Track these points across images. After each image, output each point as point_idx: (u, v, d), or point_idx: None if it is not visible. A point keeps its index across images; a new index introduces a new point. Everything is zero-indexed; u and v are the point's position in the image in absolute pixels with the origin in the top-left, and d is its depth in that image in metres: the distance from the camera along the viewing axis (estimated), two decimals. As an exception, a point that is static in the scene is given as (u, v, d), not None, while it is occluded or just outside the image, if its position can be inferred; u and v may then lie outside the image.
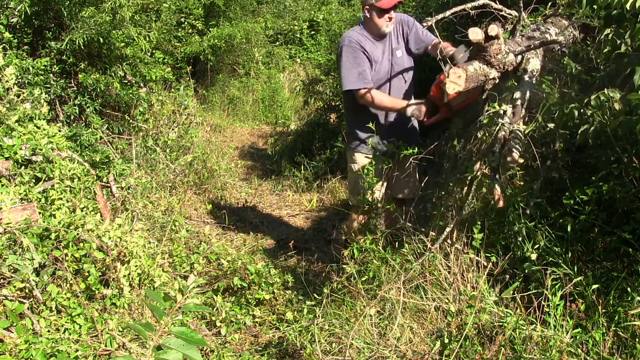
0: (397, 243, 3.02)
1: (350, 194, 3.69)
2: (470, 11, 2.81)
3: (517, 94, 2.71)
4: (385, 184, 3.43)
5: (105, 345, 2.38)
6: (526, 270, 2.56)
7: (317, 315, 2.66)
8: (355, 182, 3.41)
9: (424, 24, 2.68)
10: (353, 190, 3.51)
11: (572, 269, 2.42)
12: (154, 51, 6.25)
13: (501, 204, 2.52)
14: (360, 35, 3.23)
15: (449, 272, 2.65)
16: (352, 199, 3.57)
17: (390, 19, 3.16)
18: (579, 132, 2.36)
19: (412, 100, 3.18)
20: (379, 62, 3.24)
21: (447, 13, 2.71)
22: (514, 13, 2.98)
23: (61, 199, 3.06)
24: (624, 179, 2.48)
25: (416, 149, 3.07)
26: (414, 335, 2.46)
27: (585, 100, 2.37)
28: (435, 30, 2.68)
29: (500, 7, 2.88)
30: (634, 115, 2.19)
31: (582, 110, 2.39)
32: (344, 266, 2.87)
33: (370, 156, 3.26)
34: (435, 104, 3.03)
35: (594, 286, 2.32)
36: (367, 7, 3.15)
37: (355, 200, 3.44)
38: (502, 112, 2.63)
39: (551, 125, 2.70)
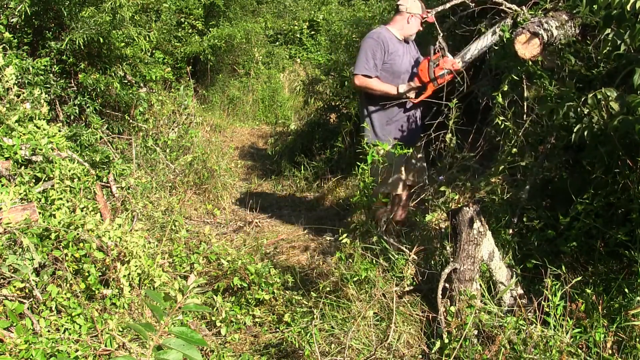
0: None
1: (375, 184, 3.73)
2: (470, 3, 2.90)
3: None
4: (404, 169, 3.72)
5: (105, 345, 2.38)
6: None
7: (315, 316, 2.65)
8: (378, 171, 3.43)
9: (425, 15, 3.05)
10: (376, 179, 3.50)
11: (572, 269, 2.41)
12: (154, 51, 6.26)
13: None
14: (389, 33, 3.68)
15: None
16: (378, 188, 3.57)
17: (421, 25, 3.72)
18: (575, 130, 2.36)
19: (401, 84, 3.63)
20: (402, 57, 3.64)
21: (447, 5, 2.84)
22: (514, 7, 3.04)
23: (61, 199, 3.06)
24: (620, 181, 2.48)
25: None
26: (412, 336, 2.46)
27: (583, 99, 2.37)
28: (436, 23, 2.80)
29: (500, 0, 2.95)
30: (633, 115, 2.18)
31: (578, 110, 2.39)
32: (334, 270, 2.87)
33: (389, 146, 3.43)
34: (423, 85, 3.50)
35: (594, 287, 2.32)
36: (411, 15, 3.58)
37: (382, 189, 3.64)
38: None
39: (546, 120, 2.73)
